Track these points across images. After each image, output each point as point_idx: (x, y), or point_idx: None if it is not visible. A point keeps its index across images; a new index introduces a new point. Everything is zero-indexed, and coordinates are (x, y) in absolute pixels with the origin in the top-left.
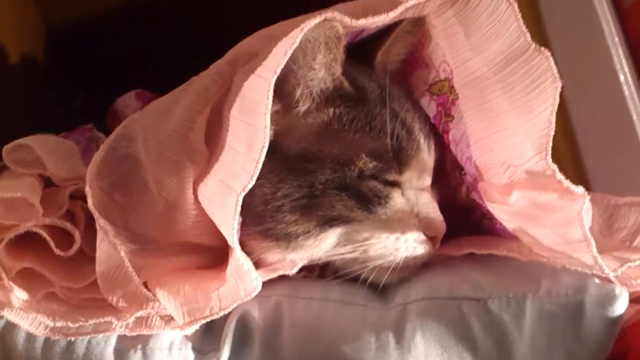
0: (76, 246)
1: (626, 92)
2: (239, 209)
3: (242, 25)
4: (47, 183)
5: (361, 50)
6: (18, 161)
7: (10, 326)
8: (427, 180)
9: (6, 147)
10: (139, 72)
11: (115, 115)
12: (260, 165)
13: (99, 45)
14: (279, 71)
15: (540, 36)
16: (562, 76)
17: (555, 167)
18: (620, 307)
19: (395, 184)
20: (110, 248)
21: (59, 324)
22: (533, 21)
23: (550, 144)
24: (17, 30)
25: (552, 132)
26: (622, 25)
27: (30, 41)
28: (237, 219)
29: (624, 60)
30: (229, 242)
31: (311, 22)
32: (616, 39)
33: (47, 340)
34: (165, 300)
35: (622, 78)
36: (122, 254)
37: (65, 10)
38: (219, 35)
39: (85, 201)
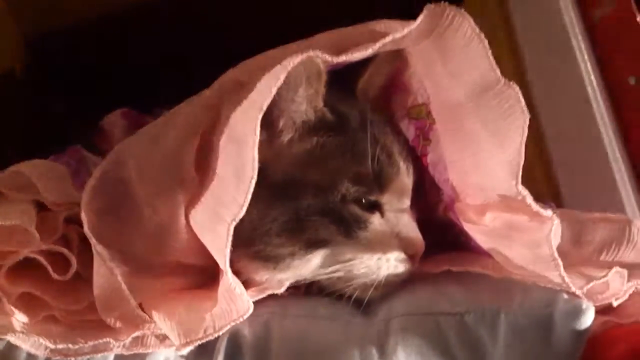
0: (72, 270)
1: (594, 107)
2: (230, 237)
3: (224, 42)
4: (40, 207)
5: (344, 78)
6: (12, 187)
7: (12, 347)
8: (407, 202)
9: (0, 175)
10: (118, 81)
11: (103, 134)
12: (249, 197)
13: (77, 55)
14: (265, 107)
15: (514, 55)
16: (535, 95)
17: (526, 192)
18: (586, 320)
19: (375, 207)
20: (107, 272)
21: (60, 345)
22: (508, 42)
23: (520, 172)
24: None
25: (522, 161)
26: (591, 40)
27: (7, 52)
28: (229, 247)
29: (592, 75)
30: (222, 267)
31: (294, 60)
32: (585, 56)
33: None
34: (161, 322)
35: (590, 93)
36: (119, 278)
37: (42, 20)
38: (198, 49)
39: (79, 224)
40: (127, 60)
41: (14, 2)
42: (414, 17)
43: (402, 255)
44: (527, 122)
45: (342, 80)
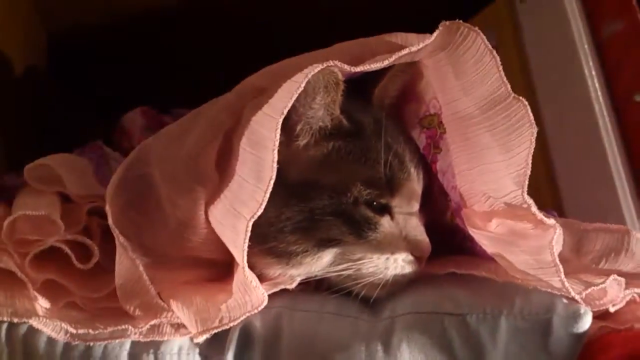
0: (95, 260)
1: (600, 123)
2: (248, 233)
3: (241, 45)
4: (64, 199)
5: (360, 86)
6: (39, 179)
7: (33, 331)
8: (416, 206)
9: (28, 167)
10: (137, 79)
11: (123, 131)
12: (268, 195)
13: (99, 53)
14: (285, 112)
15: (524, 68)
16: (543, 108)
17: (531, 201)
18: (584, 324)
19: (386, 209)
20: (129, 263)
21: (81, 330)
22: (518, 56)
23: (527, 181)
24: (18, 38)
25: (529, 172)
26: (599, 56)
27: (31, 48)
28: (247, 242)
29: (599, 91)
30: (239, 262)
31: (315, 69)
32: (593, 72)
33: (66, 344)
34: (179, 311)
35: (597, 108)
36: (141, 268)
37: (66, 18)
38: (219, 51)
39: (101, 217)
40: (147, 59)
41: (39, 0)
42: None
43: (409, 257)
44: (535, 135)
45: (358, 87)
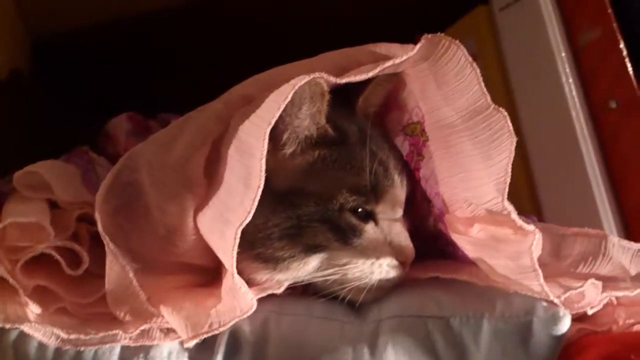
0: (84, 266)
1: (577, 129)
2: (237, 240)
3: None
4: (53, 206)
5: (344, 95)
6: (27, 186)
7: (23, 337)
8: (399, 212)
9: (17, 174)
10: (119, 84)
11: (108, 136)
12: (256, 203)
13: (82, 58)
14: (273, 122)
15: (503, 75)
16: (521, 115)
17: (511, 207)
18: (563, 327)
19: (371, 215)
20: (119, 269)
21: (72, 336)
22: (497, 62)
23: (507, 189)
24: (2, 45)
25: (509, 179)
26: (576, 63)
27: (15, 55)
28: (236, 249)
29: (576, 98)
30: (228, 268)
31: (301, 80)
32: (570, 79)
33: (57, 350)
34: (169, 316)
35: (574, 114)
36: (131, 275)
37: (49, 22)
38: (216, 51)
39: (89, 223)
40: (129, 64)
41: (23, 4)
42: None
43: (393, 262)
44: (514, 145)
45: (342, 96)
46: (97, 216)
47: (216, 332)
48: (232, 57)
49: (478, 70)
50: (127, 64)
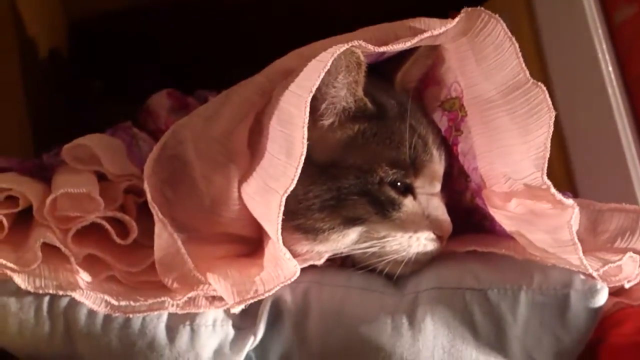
0: (133, 236)
1: (613, 106)
2: (282, 208)
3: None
4: (100, 178)
5: (384, 70)
6: (76, 159)
7: (73, 304)
8: (438, 187)
9: (66, 147)
10: (152, 64)
11: (148, 113)
12: (299, 171)
13: (117, 38)
14: (314, 90)
15: (538, 51)
16: (557, 92)
17: (549, 182)
18: (600, 300)
19: (409, 190)
20: (168, 237)
21: (122, 302)
22: (533, 39)
23: (546, 164)
24: (41, 22)
25: (548, 154)
26: (612, 41)
27: (54, 33)
28: (281, 216)
29: (612, 76)
30: (272, 236)
31: (340, 48)
32: (607, 56)
33: (106, 317)
34: (216, 283)
35: (610, 91)
36: (179, 242)
37: (86, 3)
38: (232, 40)
39: (136, 195)
40: (165, 45)
41: None
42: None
43: (431, 235)
44: (553, 119)
45: (382, 71)
46: (146, 187)
47: (261, 297)
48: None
49: (517, 45)
50: (162, 45)
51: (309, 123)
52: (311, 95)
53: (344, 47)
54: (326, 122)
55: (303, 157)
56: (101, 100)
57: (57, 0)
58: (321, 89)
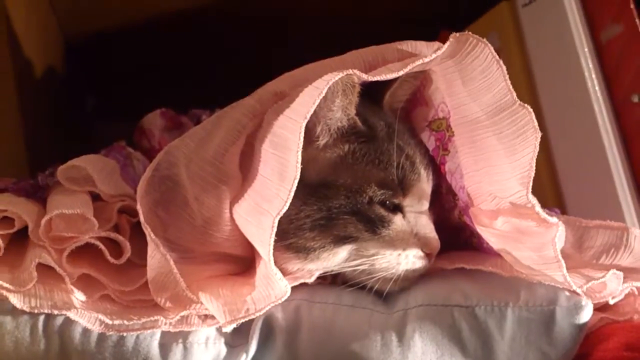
0: (127, 255)
1: (600, 123)
2: (275, 229)
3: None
4: (94, 198)
5: (372, 91)
6: (71, 179)
7: (68, 323)
8: (425, 205)
9: (61, 168)
10: (146, 82)
11: (142, 132)
12: (292, 194)
13: (110, 56)
14: (309, 116)
15: (526, 70)
16: (544, 110)
17: (535, 200)
18: (585, 316)
19: (398, 208)
20: (160, 257)
21: (116, 321)
22: (521, 57)
23: (531, 182)
24: (37, 41)
25: (533, 174)
26: (599, 60)
27: (48, 51)
28: (273, 238)
29: (599, 93)
30: (264, 256)
31: (335, 76)
32: (593, 74)
33: (100, 335)
34: (208, 302)
35: (597, 109)
36: (171, 263)
37: (81, 22)
38: (228, 58)
39: (130, 215)
40: (160, 64)
41: (57, 4)
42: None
43: (420, 253)
44: (539, 140)
45: (369, 92)
46: (139, 207)
47: (252, 317)
48: (258, 58)
49: (504, 68)
50: (158, 64)
51: (304, 145)
52: (306, 121)
53: (339, 76)
54: (321, 142)
55: (296, 181)
56: (96, 119)
57: (53, 19)
58: (318, 112)
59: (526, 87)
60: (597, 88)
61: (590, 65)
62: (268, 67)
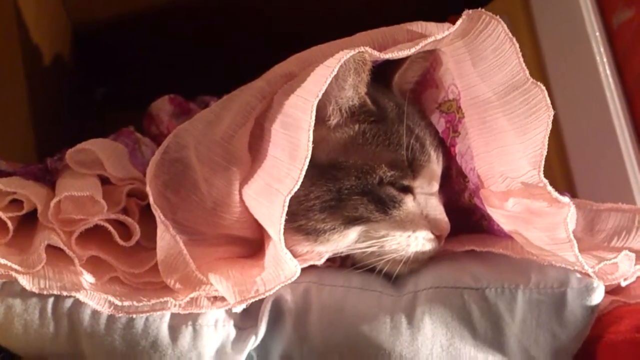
0: (136, 238)
1: (611, 107)
2: (286, 209)
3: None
4: (103, 181)
5: (381, 73)
6: (80, 163)
7: (77, 305)
8: (435, 187)
9: (70, 151)
10: (154, 71)
11: (151, 118)
12: (303, 173)
13: (119, 45)
14: (320, 95)
15: (537, 54)
16: (555, 93)
17: (546, 180)
18: (596, 298)
19: (408, 190)
20: (170, 239)
21: (126, 303)
22: (531, 42)
23: (543, 161)
24: (46, 30)
25: (545, 152)
26: (610, 44)
27: (57, 40)
28: (284, 217)
29: (610, 79)
30: (274, 237)
31: (347, 54)
32: (604, 58)
33: (110, 317)
34: (217, 283)
35: (608, 94)
36: (181, 244)
37: (89, 11)
38: (232, 45)
39: (138, 198)
40: (167, 51)
41: None
42: None
43: (429, 235)
44: (551, 118)
45: (378, 74)
46: (149, 190)
47: (262, 297)
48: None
49: (517, 45)
50: (167, 53)
51: (315, 125)
52: (317, 99)
53: (351, 53)
54: (333, 122)
55: (308, 160)
56: (106, 107)
57: (60, 7)
58: (329, 92)
59: (537, 71)
60: (608, 72)
61: (602, 49)
62: (277, 55)
